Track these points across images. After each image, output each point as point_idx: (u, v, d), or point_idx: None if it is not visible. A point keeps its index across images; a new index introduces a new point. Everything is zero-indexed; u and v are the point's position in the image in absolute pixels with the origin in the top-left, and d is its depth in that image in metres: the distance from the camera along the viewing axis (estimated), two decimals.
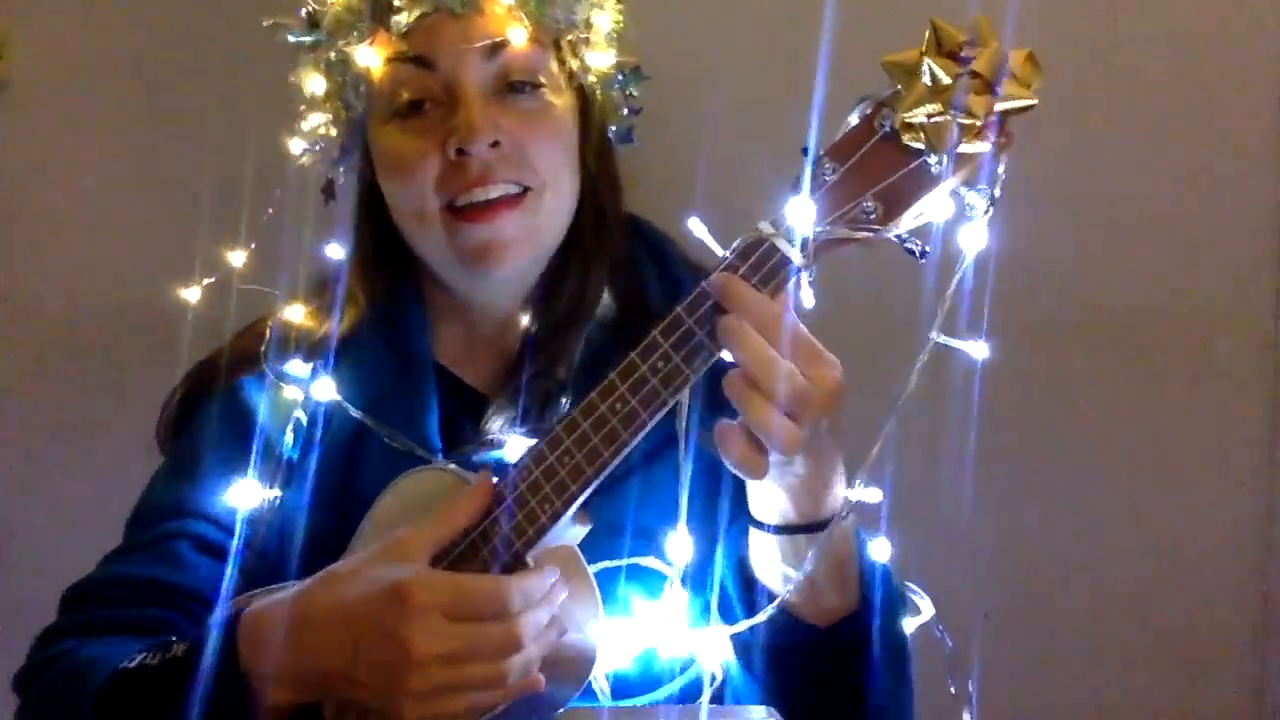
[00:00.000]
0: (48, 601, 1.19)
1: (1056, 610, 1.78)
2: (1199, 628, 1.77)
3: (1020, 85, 0.90)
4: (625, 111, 1.31)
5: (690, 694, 1.16)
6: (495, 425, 1.24)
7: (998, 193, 0.95)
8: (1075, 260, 1.74)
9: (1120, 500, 1.76)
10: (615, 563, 1.17)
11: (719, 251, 1.00)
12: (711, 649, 1.09)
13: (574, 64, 1.25)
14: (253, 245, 1.40)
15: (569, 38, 1.24)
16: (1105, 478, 1.76)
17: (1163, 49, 1.72)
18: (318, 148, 1.31)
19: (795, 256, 0.96)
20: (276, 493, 1.22)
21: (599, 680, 1.12)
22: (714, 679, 1.11)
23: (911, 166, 0.94)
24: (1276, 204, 1.73)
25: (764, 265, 0.97)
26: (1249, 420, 1.76)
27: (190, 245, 1.46)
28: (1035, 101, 0.90)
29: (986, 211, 0.96)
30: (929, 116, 0.92)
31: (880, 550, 1.10)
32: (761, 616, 1.06)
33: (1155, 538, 1.76)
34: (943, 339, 0.98)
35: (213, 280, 1.40)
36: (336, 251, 1.29)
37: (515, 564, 1.02)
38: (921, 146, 0.93)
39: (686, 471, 1.06)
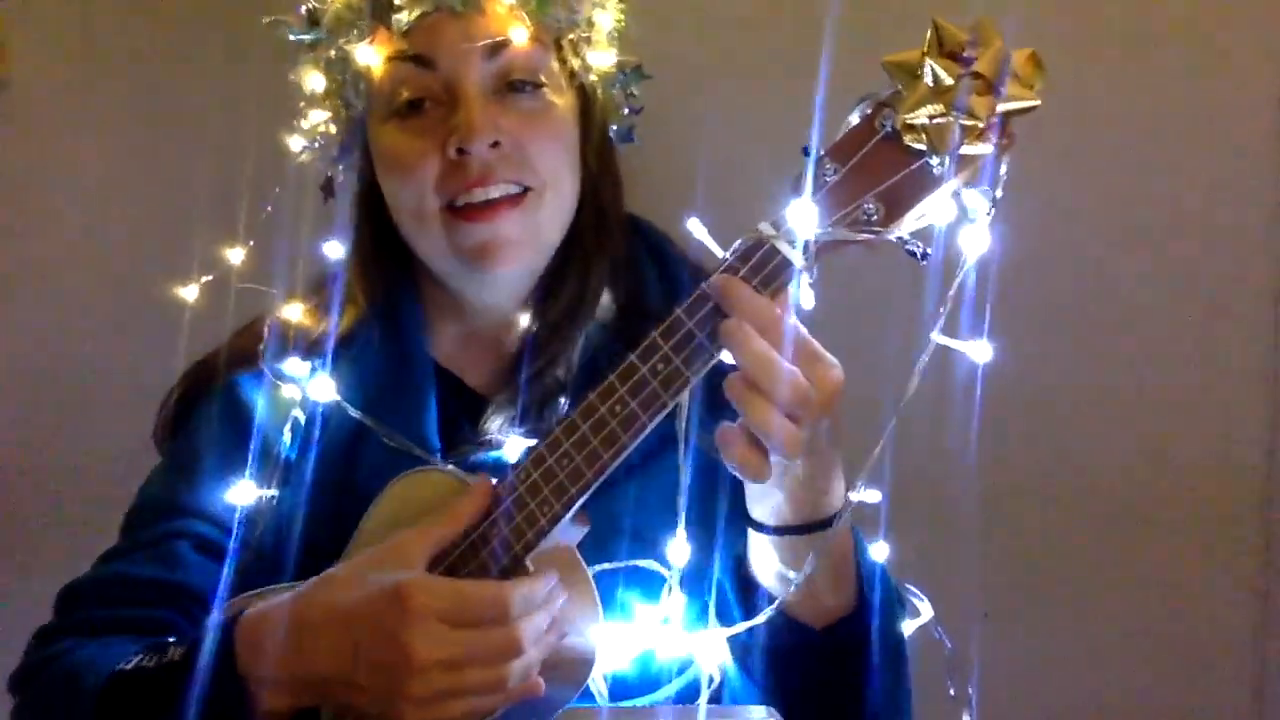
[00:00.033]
0: (47, 601, 1.19)
1: (1058, 608, 1.78)
2: (1199, 628, 1.77)
3: (1023, 86, 0.90)
4: (626, 111, 1.31)
5: (688, 696, 1.17)
6: (494, 425, 1.24)
7: (999, 194, 0.95)
8: (1075, 260, 1.74)
9: (1120, 500, 1.76)
10: (614, 565, 1.17)
11: (719, 253, 1.00)
12: (709, 651, 1.09)
13: (575, 63, 1.24)
14: (251, 243, 1.39)
15: (570, 37, 1.24)
16: (1105, 478, 1.76)
17: (1163, 49, 1.72)
18: (317, 145, 1.30)
19: (796, 259, 0.95)
20: (274, 492, 1.22)
21: (597, 682, 1.12)
22: (712, 681, 1.11)
23: (913, 168, 0.94)
24: (1276, 204, 1.73)
25: (764, 267, 0.96)
26: (1249, 420, 1.76)
27: (189, 244, 1.45)
28: (1038, 102, 0.90)
29: (988, 213, 0.95)
30: (930, 118, 0.91)
31: (879, 551, 1.09)
32: (760, 618, 1.06)
33: (1156, 538, 1.76)
34: (944, 340, 0.97)
35: (211, 278, 1.40)
36: (335, 250, 1.28)
37: (514, 566, 1.02)
38: (923, 147, 0.92)
39: (686, 474, 1.06)
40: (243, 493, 1.20)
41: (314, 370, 1.23)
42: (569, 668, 1.06)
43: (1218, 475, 1.76)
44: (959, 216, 0.96)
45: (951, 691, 1.16)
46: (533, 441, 1.18)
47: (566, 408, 1.23)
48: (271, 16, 1.28)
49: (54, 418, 1.90)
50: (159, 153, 1.85)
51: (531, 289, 1.28)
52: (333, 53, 1.24)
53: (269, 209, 1.39)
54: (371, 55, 1.20)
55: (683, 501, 1.05)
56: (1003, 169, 0.94)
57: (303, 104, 1.29)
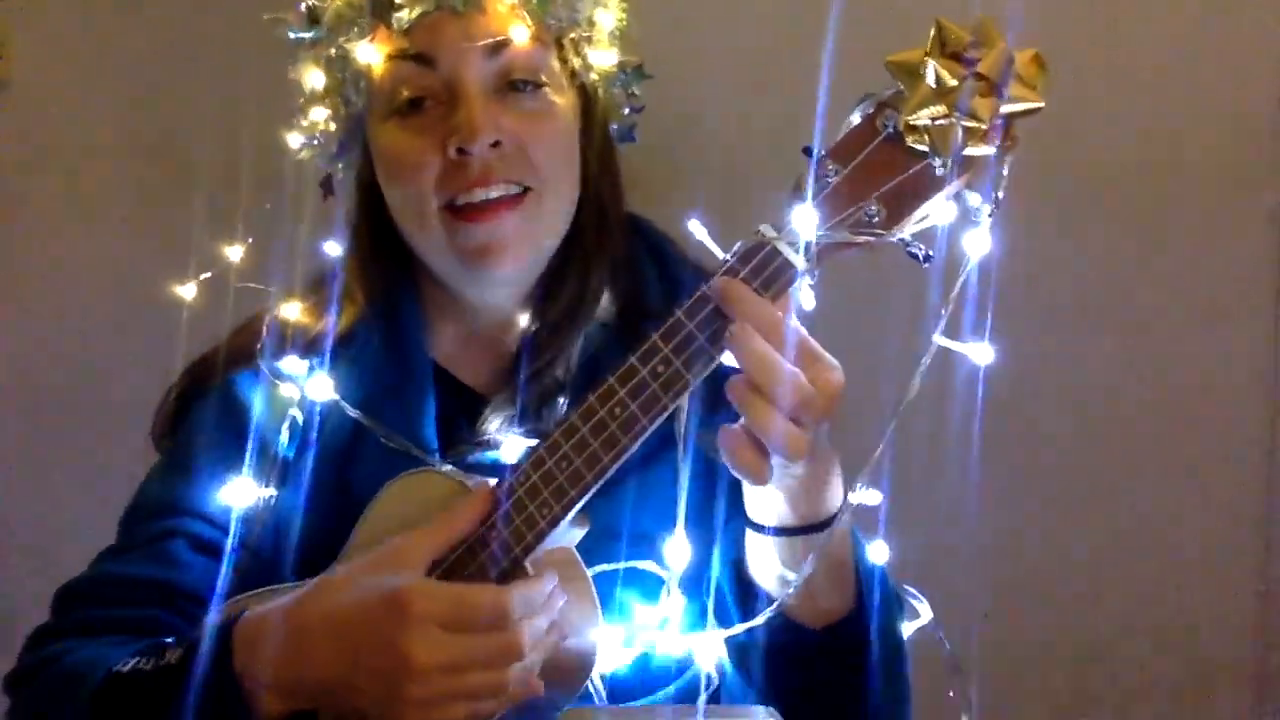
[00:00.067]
0: (46, 601, 1.18)
1: (1057, 609, 1.78)
2: (1199, 628, 1.77)
3: (1026, 87, 0.89)
4: (627, 111, 1.31)
5: (686, 697, 1.16)
6: (492, 425, 1.23)
7: (1001, 195, 0.95)
8: (1075, 261, 1.74)
9: (1120, 501, 1.76)
10: (613, 566, 1.17)
11: (719, 254, 0.99)
12: (708, 652, 1.09)
13: (576, 62, 1.24)
14: (250, 240, 1.39)
15: (572, 36, 1.23)
16: (1106, 479, 1.76)
17: (1163, 49, 1.72)
18: (316, 142, 1.30)
19: (798, 261, 0.95)
20: (272, 491, 1.21)
21: (595, 683, 1.11)
22: (710, 682, 1.11)
23: (915, 169, 0.93)
24: (1276, 204, 1.73)
25: (765, 269, 0.96)
26: (1249, 420, 1.75)
27: (189, 243, 1.45)
28: (1042, 104, 0.89)
29: (990, 214, 0.95)
30: (933, 119, 0.90)
31: (878, 553, 1.09)
32: (759, 619, 1.06)
33: (1155, 538, 1.76)
34: (945, 342, 0.97)
35: (209, 275, 1.40)
36: (334, 248, 1.28)
37: (514, 569, 1.02)
38: (925, 149, 0.92)
39: (685, 475, 1.06)
40: (240, 492, 1.19)
41: (312, 369, 1.23)
42: (568, 669, 1.05)
43: (1218, 475, 1.76)
44: (961, 218, 0.96)
45: (951, 693, 1.16)
46: (531, 442, 1.18)
47: (565, 408, 1.22)
48: (272, 13, 1.27)
49: (53, 417, 1.90)
50: (159, 152, 1.85)
51: (531, 289, 1.27)
52: (333, 51, 1.23)
53: (268, 206, 1.39)
54: (372, 53, 1.20)
55: (682, 503, 1.05)
56: (1004, 170, 0.94)
57: (302, 101, 1.28)
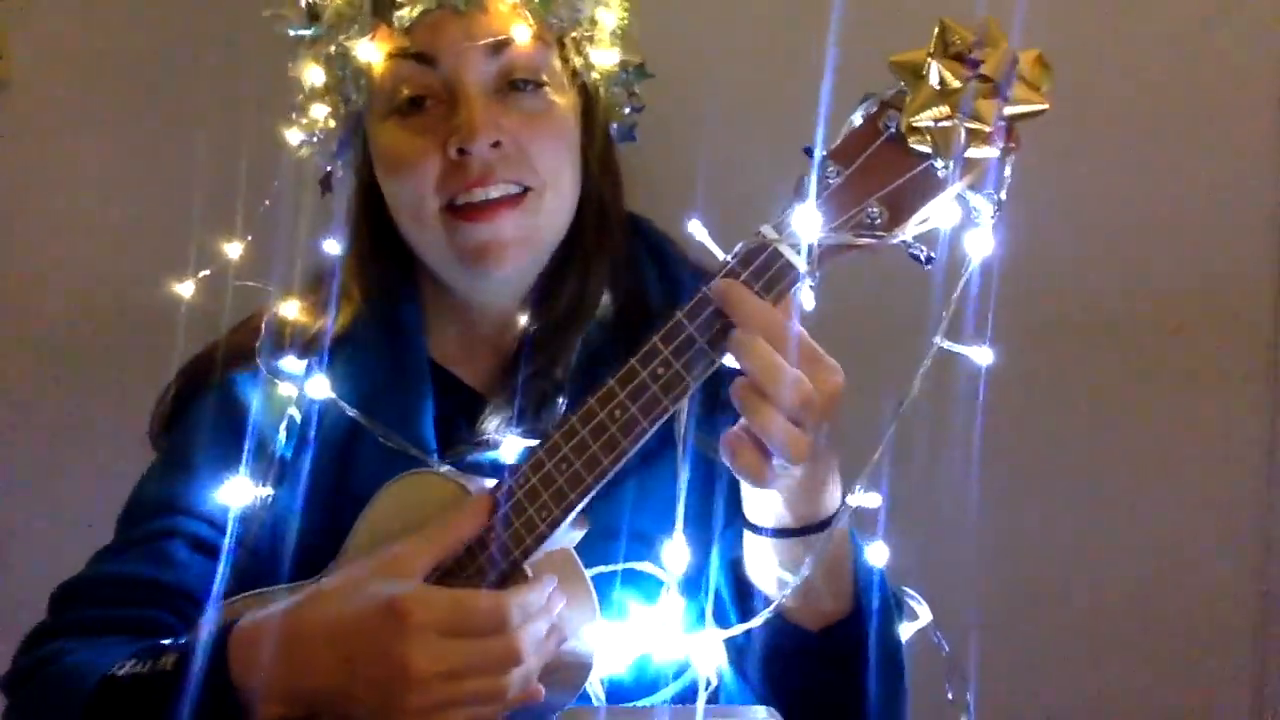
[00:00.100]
0: (44, 600, 1.18)
1: (1056, 612, 1.78)
2: (1199, 627, 1.77)
3: (1030, 89, 0.88)
4: (628, 110, 1.31)
5: (685, 699, 1.16)
6: (491, 425, 1.23)
7: (1003, 196, 0.94)
8: (1075, 262, 1.73)
9: (1120, 501, 1.76)
10: (612, 567, 1.17)
11: (720, 256, 0.99)
12: (706, 653, 1.08)
13: (578, 62, 1.24)
14: (249, 237, 1.39)
15: (573, 35, 1.23)
16: (1106, 479, 1.76)
17: (1163, 49, 1.71)
18: (315, 139, 1.29)
19: (800, 263, 0.94)
20: (269, 491, 1.21)
21: (594, 685, 1.11)
22: (709, 684, 1.10)
23: (917, 171, 0.93)
24: (1276, 204, 1.72)
25: (766, 271, 0.95)
26: (1249, 420, 1.75)
27: (189, 242, 1.45)
28: (1046, 106, 0.89)
29: (993, 216, 0.94)
30: (936, 120, 0.90)
31: (877, 555, 1.09)
32: (756, 621, 1.05)
33: (1155, 538, 1.76)
34: (946, 344, 0.97)
35: (208, 273, 1.39)
36: (333, 247, 1.27)
37: (512, 571, 1.01)
38: (928, 150, 0.91)
39: (684, 477, 1.05)
40: (238, 491, 1.19)
41: (310, 368, 1.23)
42: (567, 672, 1.05)
43: (1218, 475, 1.76)
44: (962, 219, 0.96)
45: (949, 695, 1.16)
46: (530, 442, 1.19)
47: (564, 408, 1.22)
48: (271, 10, 1.27)
49: (54, 416, 1.90)
50: (159, 152, 1.85)
51: (531, 288, 1.27)
52: (333, 48, 1.23)
53: (267, 203, 1.38)
54: (372, 52, 1.19)
55: (681, 505, 1.04)
56: (1007, 171, 0.93)
57: (301, 98, 1.28)
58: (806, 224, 0.94)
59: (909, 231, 0.95)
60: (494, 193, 1.16)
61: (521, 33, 1.17)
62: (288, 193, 1.37)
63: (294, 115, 1.30)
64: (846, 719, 1.13)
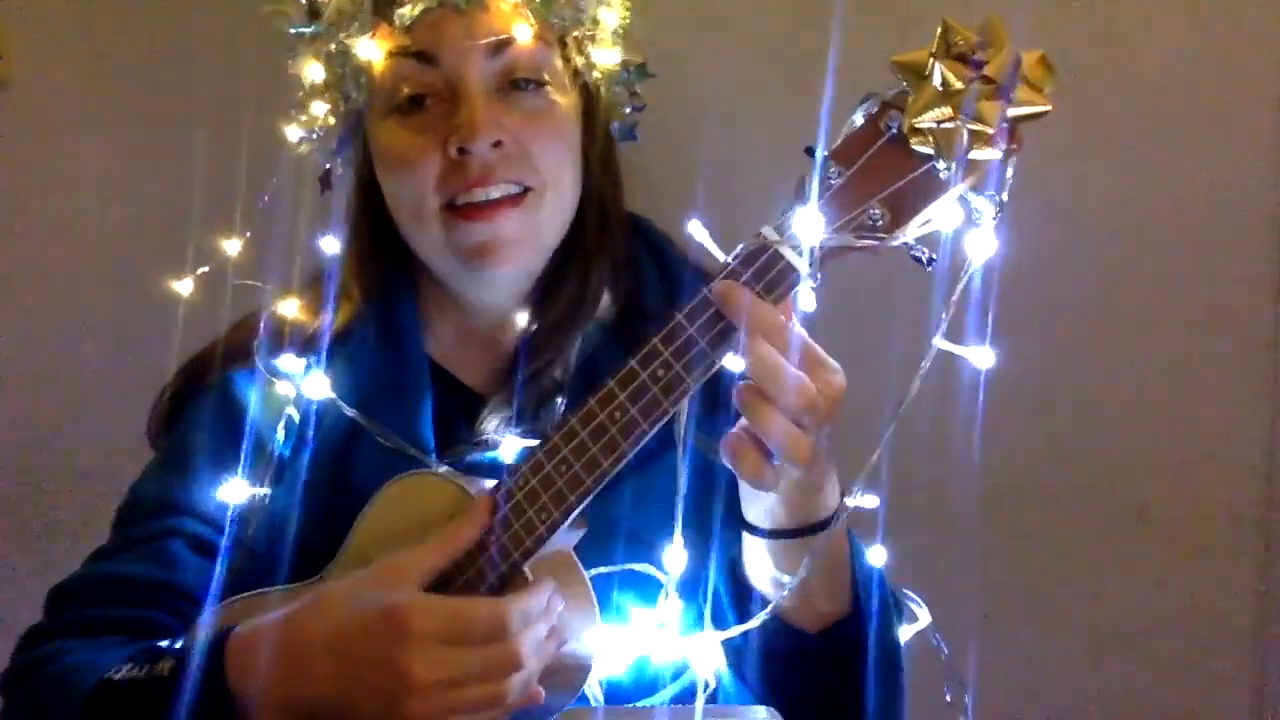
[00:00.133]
0: (40, 600, 1.18)
1: (1056, 612, 1.78)
2: (1199, 627, 1.77)
3: (1033, 90, 0.88)
4: (629, 110, 1.30)
5: (683, 701, 1.16)
6: (490, 425, 1.23)
7: (1005, 198, 0.94)
8: (1074, 262, 1.73)
9: (1120, 501, 1.76)
10: (610, 569, 1.16)
11: (721, 257, 0.98)
12: (705, 655, 1.08)
13: (579, 61, 1.23)
14: (248, 234, 1.38)
15: (575, 34, 1.22)
16: (1105, 479, 1.76)
17: (1163, 49, 1.71)
18: (315, 136, 1.29)
19: (801, 265, 0.94)
20: (267, 490, 1.21)
21: (592, 686, 1.11)
22: (707, 685, 1.10)
23: (919, 172, 0.92)
24: (1276, 204, 1.72)
25: (767, 273, 0.95)
26: (1249, 420, 1.75)
27: (189, 241, 1.45)
28: (1049, 107, 0.88)
29: (994, 217, 0.94)
30: (938, 122, 0.89)
31: (877, 556, 1.09)
32: (754, 622, 1.05)
33: (1155, 538, 1.76)
34: (946, 345, 0.96)
35: (206, 270, 1.39)
36: (331, 245, 1.26)
37: (512, 573, 1.01)
38: (930, 151, 0.90)
39: (684, 479, 1.05)
40: (235, 491, 1.19)
41: (309, 367, 1.23)
42: (567, 673, 1.05)
43: (1218, 475, 1.76)
44: (964, 221, 0.95)
45: (948, 697, 1.16)
46: (529, 442, 1.18)
47: (563, 408, 1.22)
48: (271, 6, 1.26)
49: (53, 415, 1.90)
50: (158, 151, 1.85)
51: (530, 288, 1.27)
52: (333, 46, 1.22)
53: (266, 199, 1.38)
54: (373, 50, 1.19)
55: (680, 507, 1.04)
56: (1009, 172, 0.93)
57: (301, 94, 1.28)
58: (808, 226, 0.93)
59: (910, 233, 0.94)
60: (494, 193, 1.16)
61: (523, 32, 1.17)
62: (287, 190, 1.37)
63: (293, 112, 1.29)
64: (844, 719, 1.13)
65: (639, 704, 1.16)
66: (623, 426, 0.97)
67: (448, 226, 1.18)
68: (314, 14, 1.24)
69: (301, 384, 1.21)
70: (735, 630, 1.07)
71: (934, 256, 0.95)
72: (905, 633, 1.17)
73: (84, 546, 1.21)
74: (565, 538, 1.05)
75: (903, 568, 1.13)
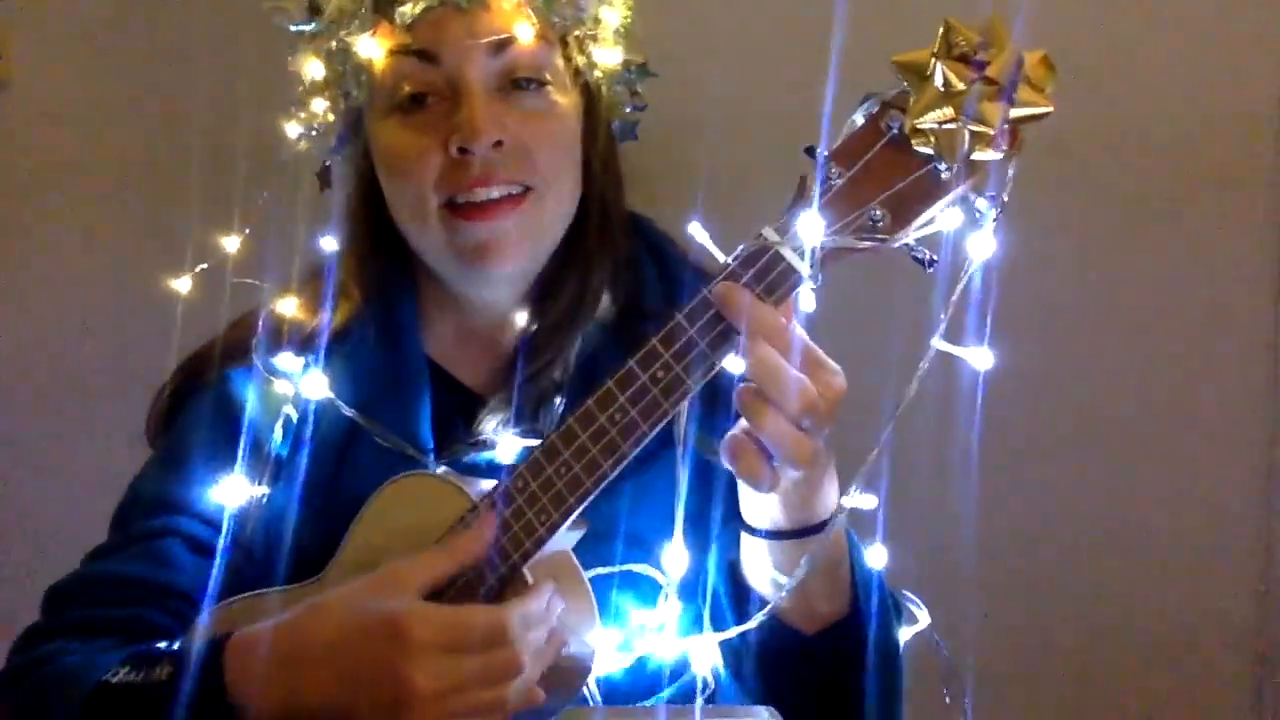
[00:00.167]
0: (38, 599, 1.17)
1: (1056, 613, 1.78)
2: (1199, 627, 1.77)
3: (1035, 91, 0.87)
4: (630, 109, 1.30)
5: (682, 701, 1.16)
6: (489, 425, 1.22)
7: (1006, 198, 0.93)
8: (1074, 262, 1.73)
9: (1120, 502, 1.76)
10: (610, 569, 1.16)
11: (721, 258, 0.98)
12: (703, 655, 1.08)
13: (580, 60, 1.23)
14: (247, 231, 1.38)
15: (576, 33, 1.22)
16: (1105, 480, 1.76)
17: (1163, 49, 1.71)
18: (314, 133, 1.29)
19: (802, 267, 0.94)
20: (265, 490, 1.20)
21: (590, 686, 1.11)
22: (706, 686, 1.10)
23: (921, 173, 0.92)
24: (1276, 204, 1.72)
25: (768, 274, 0.95)
26: (1249, 420, 1.75)
27: (189, 241, 1.45)
28: (1051, 109, 0.88)
29: (994, 218, 0.93)
30: (940, 123, 0.89)
31: (876, 557, 1.08)
32: (752, 622, 1.05)
33: (1155, 539, 1.76)
34: (944, 346, 0.96)
35: (205, 267, 1.38)
36: (330, 244, 1.26)
37: (512, 575, 1.01)
38: (931, 152, 0.90)
39: (684, 481, 1.05)
40: (233, 490, 1.18)
41: (307, 366, 1.22)
42: (566, 674, 1.05)
43: (1218, 475, 1.76)
44: (965, 222, 0.95)
45: (947, 698, 1.15)
46: (527, 442, 1.18)
47: (562, 409, 1.22)
48: (271, 2, 1.26)
49: (53, 415, 1.90)
50: (159, 151, 1.85)
51: (530, 287, 1.27)
52: (333, 44, 1.22)
53: (265, 195, 1.37)
54: (373, 48, 1.18)
55: (680, 509, 1.04)
56: (1009, 173, 0.93)
57: (301, 91, 1.27)
58: (810, 228, 0.93)
59: (911, 234, 0.94)
60: (495, 192, 1.16)
61: (524, 31, 1.16)
62: (286, 189, 1.36)
63: (293, 109, 1.29)
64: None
65: (638, 705, 1.16)
66: (623, 428, 0.97)
67: (448, 226, 1.18)
68: (314, 11, 1.24)
69: (300, 383, 1.21)
70: (734, 631, 1.07)
71: (935, 258, 0.95)
72: (905, 634, 1.17)
73: (84, 546, 1.21)
74: (565, 538, 1.05)
75: (902, 568, 1.13)
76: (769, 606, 1.04)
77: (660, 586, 1.16)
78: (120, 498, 1.24)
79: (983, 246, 0.94)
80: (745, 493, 1.07)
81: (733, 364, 0.96)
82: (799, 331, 0.96)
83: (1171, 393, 1.75)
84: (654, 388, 0.96)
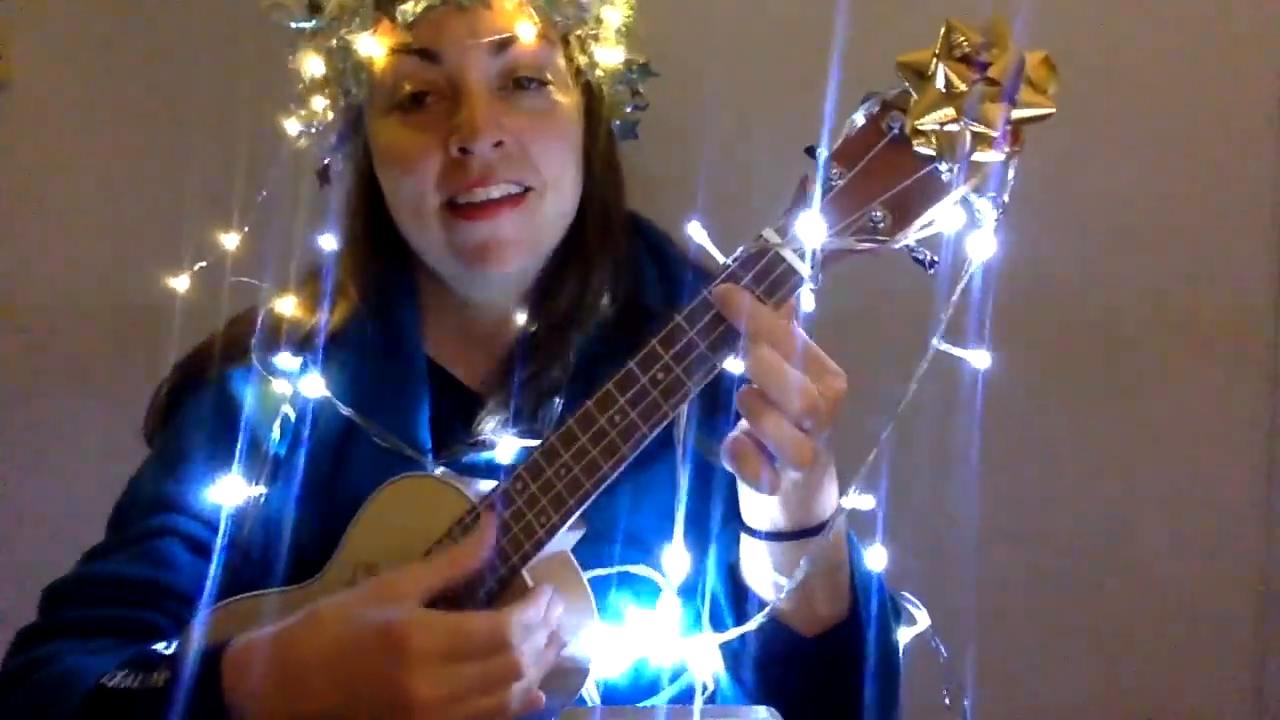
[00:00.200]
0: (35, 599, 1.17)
1: (1056, 614, 1.78)
2: (1199, 627, 1.77)
3: (1037, 92, 0.87)
4: (630, 109, 1.30)
5: (681, 703, 1.15)
6: (488, 425, 1.22)
7: (1006, 199, 0.93)
8: (1075, 262, 1.73)
9: (1120, 502, 1.76)
10: (609, 570, 1.16)
11: (721, 259, 0.98)
12: (702, 657, 1.08)
13: (582, 60, 1.23)
14: (245, 229, 1.37)
15: (578, 33, 1.22)
16: (1105, 480, 1.76)
17: (1163, 49, 1.71)
18: (314, 130, 1.28)
19: (803, 269, 0.93)
20: (263, 489, 1.20)
21: (589, 687, 1.11)
22: (705, 688, 1.10)
23: (922, 174, 0.91)
24: (1276, 204, 1.72)
25: (768, 276, 0.94)
26: (1249, 421, 1.75)
27: (189, 240, 1.44)
28: (1053, 110, 0.87)
29: (995, 219, 0.93)
30: (941, 124, 0.88)
31: (876, 558, 1.08)
32: (752, 624, 1.05)
33: (1155, 539, 1.75)
34: (944, 347, 0.96)
35: (204, 265, 1.38)
36: (329, 242, 1.26)
37: (511, 577, 1.01)
38: (932, 153, 0.90)
39: (684, 482, 1.05)
40: (230, 490, 1.18)
41: (305, 365, 1.22)
42: (565, 675, 1.05)
43: (1218, 476, 1.75)
44: (966, 223, 0.94)
45: (947, 701, 1.15)
46: (526, 442, 1.18)
47: (561, 409, 1.21)
48: (271, 0, 1.26)
49: (50, 412, 1.89)
50: (158, 150, 1.85)
51: (530, 287, 1.26)
52: (334, 41, 1.21)
53: (265, 193, 1.37)
54: (374, 46, 1.18)
55: (680, 511, 1.04)
56: (1010, 173, 0.92)
57: (301, 88, 1.27)
58: (811, 230, 0.92)
59: (912, 235, 0.94)
60: (495, 192, 1.16)
61: (526, 30, 1.16)
62: (285, 187, 1.36)
63: (292, 106, 1.28)
64: None
65: (638, 705, 1.16)
66: (623, 430, 0.97)
67: (447, 225, 1.18)
68: (315, 9, 1.23)
69: (298, 382, 1.21)
70: (733, 633, 1.06)
71: (935, 259, 0.94)
72: (904, 635, 1.17)
73: (82, 546, 1.21)
74: (564, 540, 1.05)
75: (902, 569, 1.12)
76: (768, 608, 1.04)
77: (659, 588, 1.15)
78: (119, 496, 1.23)
79: (983, 247, 0.93)
80: (745, 494, 1.07)
81: (733, 365, 0.95)
82: (800, 332, 0.96)
83: (1171, 393, 1.75)
84: (654, 390, 0.96)
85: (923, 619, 1.18)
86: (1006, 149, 0.88)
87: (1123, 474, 1.75)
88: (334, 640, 0.96)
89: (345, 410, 1.19)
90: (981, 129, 0.87)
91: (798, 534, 1.05)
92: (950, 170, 0.90)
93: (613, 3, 1.24)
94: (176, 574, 1.16)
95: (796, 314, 0.97)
